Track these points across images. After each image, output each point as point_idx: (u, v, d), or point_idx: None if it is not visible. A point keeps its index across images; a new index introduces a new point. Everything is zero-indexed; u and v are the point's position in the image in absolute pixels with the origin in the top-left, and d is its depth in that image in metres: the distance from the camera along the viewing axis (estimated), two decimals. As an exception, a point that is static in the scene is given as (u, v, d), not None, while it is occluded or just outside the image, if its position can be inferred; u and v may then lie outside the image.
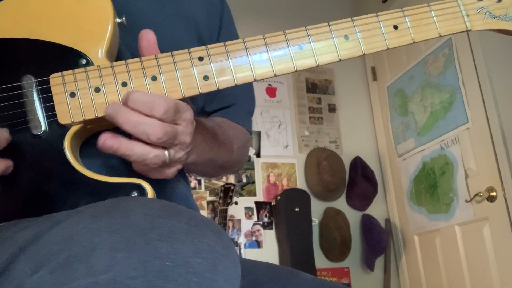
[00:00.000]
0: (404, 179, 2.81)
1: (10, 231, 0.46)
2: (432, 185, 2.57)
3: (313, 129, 2.96)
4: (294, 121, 2.92)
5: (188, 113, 0.54)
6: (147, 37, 0.56)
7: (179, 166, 0.56)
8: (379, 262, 2.77)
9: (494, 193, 2.16)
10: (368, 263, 2.71)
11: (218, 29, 0.81)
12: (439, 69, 2.54)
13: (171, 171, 0.55)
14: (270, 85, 2.93)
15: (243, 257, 2.25)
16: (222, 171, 0.77)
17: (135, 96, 0.51)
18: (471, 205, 2.29)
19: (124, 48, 0.62)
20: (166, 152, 0.52)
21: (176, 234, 0.38)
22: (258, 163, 2.76)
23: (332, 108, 3.05)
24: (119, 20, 0.58)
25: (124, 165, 0.61)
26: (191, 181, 2.60)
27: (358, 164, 2.89)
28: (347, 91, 3.12)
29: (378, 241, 2.70)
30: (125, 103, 0.51)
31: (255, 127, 2.81)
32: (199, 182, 2.62)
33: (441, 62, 2.54)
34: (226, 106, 0.80)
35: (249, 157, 2.76)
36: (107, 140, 0.51)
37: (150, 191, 0.52)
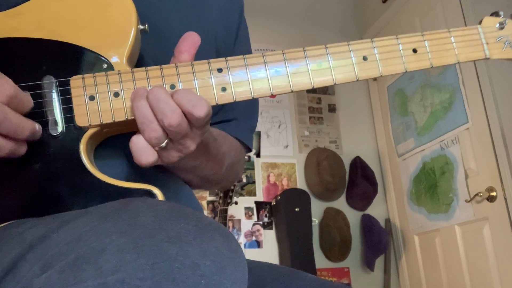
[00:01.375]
0: (404, 179, 2.81)
1: (19, 228, 0.46)
2: (432, 185, 2.57)
3: (313, 129, 2.96)
4: (294, 121, 2.92)
5: (208, 126, 0.54)
6: (195, 39, 0.56)
7: (160, 162, 0.55)
8: (379, 262, 2.77)
9: (494, 193, 2.16)
10: (368, 263, 2.72)
11: (234, 43, 0.81)
12: (439, 69, 2.54)
13: (148, 160, 0.52)
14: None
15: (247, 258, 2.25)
16: (208, 183, 0.76)
17: (183, 90, 0.51)
18: (471, 205, 2.29)
19: (145, 55, 0.62)
20: (166, 140, 0.52)
21: (184, 236, 0.38)
22: (258, 163, 2.76)
23: (332, 108, 3.05)
24: (141, 27, 0.58)
25: (137, 171, 0.61)
26: (191, 181, 2.60)
27: (358, 164, 2.89)
28: (347, 91, 3.12)
29: (378, 241, 2.70)
30: (171, 92, 0.51)
31: (255, 127, 2.81)
32: (199, 182, 2.62)
33: (441, 62, 2.54)
34: (229, 119, 0.79)
35: (249, 157, 2.76)
36: (138, 89, 0.52)
37: (160, 197, 0.53)
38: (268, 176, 2.76)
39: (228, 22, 0.80)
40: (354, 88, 3.16)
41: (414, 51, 0.60)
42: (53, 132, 0.53)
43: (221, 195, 2.44)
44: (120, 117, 0.54)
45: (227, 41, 0.80)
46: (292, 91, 0.57)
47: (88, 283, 0.33)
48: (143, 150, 0.51)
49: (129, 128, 0.58)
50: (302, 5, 3.16)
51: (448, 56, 0.60)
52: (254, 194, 2.70)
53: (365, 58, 0.59)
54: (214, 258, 0.38)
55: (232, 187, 2.45)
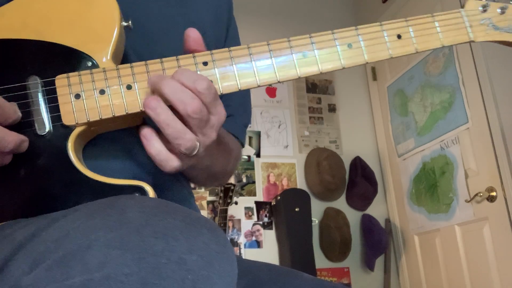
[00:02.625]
0: (404, 179, 2.81)
1: (10, 229, 0.47)
2: (432, 185, 2.57)
3: (313, 129, 2.96)
4: (294, 121, 2.92)
5: (223, 110, 0.54)
6: (195, 36, 0.56)
7: (191, 163, 0.55)
8: (379, 262, 2.77)
9: (494, 193, 2.16)
10: (368, 263, 2.72)
11: (224, 40, 0.81)
12: (439, 69, 2.54)
13: (175, 163, 0.53)
14: (270, 85, 2.92)
15: (243, 257, 2.25)
16: (213, 180, 0.77)
17: (182, 69, 0.51)
18: (471, 205, 2.29)
19: (131, 51, 0.62)
20: (197, 142, 0.52)
21: (171, 231, 0.38)
22: (258, 163, 2.76)
23: (332, 108, 3.05)
24: (125, 24, 0.58)
25: (127, 168, 0.61)
26: (191, 181, 2.60)
27: (358, 164, 2.89)
28: (347, 91, 3.12)
29: (378, 241, 2.70)
30: (172, 76, 0.51)
31: (255, 127, 2.82)
32: (199, 182, 2.62)
33: (441, 62, 2.54)
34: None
35: (249, 157, 2.76)
36: (152, 101, 0.50)
37: (151, 193, 0.53)
38: (268, 176, 2.76)
39: (217, 19, 0.80)
40: (354, 88, 3.16)
41: (399, 37, 0.60)
42: (40, 132, 0.53)
43: (221, 195, 2.44)
44: (107, 114, 0.53)
45: (218, 38, 0.80)
46: (279, 82, 0.58)
47: (75, 280, 0.34)
48: (167, 157, 0.52)
49: (118, 125, 0.58)
50: (302, 5, 3.16)
51: (432, 40, 0.61)
52: (254, 194, 2.70)
53: (350, 46, 0.59)
54: (202, 253, 0.38)
55: (232, 187, 2.45)
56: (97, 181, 0.52)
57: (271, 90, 2.93)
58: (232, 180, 2.67)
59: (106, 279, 0.33)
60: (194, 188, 2.60)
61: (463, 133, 2.35)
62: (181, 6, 0.73)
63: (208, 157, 0.62)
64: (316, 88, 3.06)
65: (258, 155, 2.78)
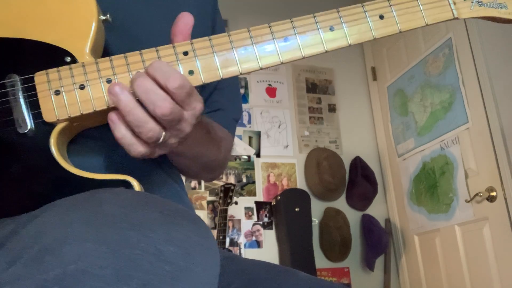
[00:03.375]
0: (404, 179, 2.81)
1: None
2: (432, 185, 2.57)
3: (313, 129, 2.96)
4: (294, 121, 2.92)
5: (198, 105, 0.53)
6: (186, 20, 0.56)
7: (163, 152, 0.55)
8: (379, 262, 2.77)
9: (494, 193, 2.16)
10: (368, 263, 2.72)
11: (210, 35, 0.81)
12: (439, 69, 2.54)
13: (154, 153, 0.53)
14: (270, 85, 2.93)
15: (243, 257, 2.25)
16: (206, 172, 0.76)
17: (157, 63, 0.50)
18: (471, 205, 2.29)
19: (113, 46, 0.62)
20: (164, 133, 0.51)
21: (148, 223, 0.38)
22: (258, 163, 2.76)
23: (332, 108, 3.05)
24: (103, 18, 0.58)
25: (112, 163, 0.61)
26: (190, 181, 2.60)
27: (358, 164, 2.89)
28: (347, 91, 3.12)
29: (378, 241, 2.70)
30: (146, 70, 0.51)
31: (255, 127, 2.81)
32: (199, 182, 2.62)
33: (441, 62, 2.54)
34: (214, 110, 0.80)
35: (249, 157, 2.76)
36: (116, 87, 0.50)
37: (137, 187, 0.52)
38: (268, 176, 2.76)
39: (201, 17, 0.80)
40: (354, 88, 3.16)
41: (381, 17, 0.59)
42: (21, 130, 0.52)
43: (221, 195, 2.44)
44: (88, 109, 0.53)
45: (204, 34, 0.79)
46: (261, 68, 0.56)
47: (50, 274, 0.34)
48: (132, 142, 0.51)
49: (101, 120, 0.58)
50: (301, 5, 3.16)
51: (415, 19, 0.60)
52: (254, 194, 2.70)
53: (332, 29, 0.58)
54: (181, 244, 0.37)
55: (232, 187, 2.45)
56: (81, 177, 0.52)
57: (271, 90, 2.93)
58: (232, 180, 2.67)
59: (80, 272, 0.33)
60: (194, 188, 2.60)
61: (463, 133, 2.35)
62: (164, 4, 0.73)
63: (197, 145, 0.61)
64: (316, 88, 3.06)
65: (258, 155, 2.78)
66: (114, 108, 0.54)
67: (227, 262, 0.67)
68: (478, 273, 2.24)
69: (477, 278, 2.25)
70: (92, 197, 0.41)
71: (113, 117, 0.50)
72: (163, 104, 0.49)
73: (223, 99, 0.79)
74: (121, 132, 0.50)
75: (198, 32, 0.77)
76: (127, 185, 0.52)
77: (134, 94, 0.50)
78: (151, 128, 0.50)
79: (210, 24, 0.82)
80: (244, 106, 2.81)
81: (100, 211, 0.39)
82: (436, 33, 2.57)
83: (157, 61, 0.51)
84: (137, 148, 0.51)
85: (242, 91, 2.84)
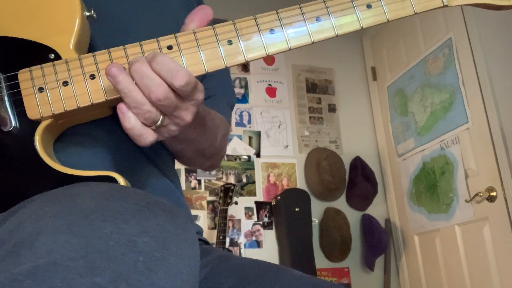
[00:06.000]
0: (404, 179, 2.81)
1: None
2: (432, 185, 2.57)
3: (313, 129, 2.96)
4: (294, 121, 2.92)
5: (200, 95, 0.53)
6: (207, 12, 0.56)
7: (161, 138, 0.55)
8: (379, 262, 2.77)
9: (494, 193, 2.16)
10: (368, 263, 2.72)
11: None
12: (439, 69, 2.54)
13: (149, 140, 0.52)
14: (270, 85, 2.93)
15: (237, 256, 2.25)
16: (202, 158, 0.76)
17: (161, 58, 0.50)
18: (471, 205, 2.29)
19: (100, 43, 0.61)
20: (162, 116, 0.51)
21: (122, 215, 0.38)
22: (258, 163, 2.76)
23: (332, 108, 3.05)
24: (87, 14, 0.57)
25: (98, 161, 0.60)
26: (191, 181, 2.60)
27: (358, 164, 2.89)
28: (347, 91, 3.12)
29: (378, 241, 2.70)
30: (149, 61, 0.50)
31: (255, 127, 2.81)
32: (199, 182, 2.62)
33: (441, 62, 2.54)
34: (206, 97, 0.80)
35: (249, 157, 2.76)
36: (114, 68, 0.50)
37: (122, 182, 0.52)
38: (268, 176, 2.76)
39: (188, 8, 0.80)
40: (354, 88, 3.16)
41: (368, 6, 0.58)
42: (5, 129, 0.52)
43: (221, 195, 2.44)
44: (71, 105, 0.53)
45: None
46: (247, 61, 0.56)
47: (23, 267, 0.34)
48: (141, 132, 0.51)
49: (86, 117, 0.58)
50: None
51: (404, 7, 0.59)
52: (254, 194, 2.70)
53: (318, 19, 0.57)
54: (155, 235, 0.37)
55: (232, 187, 2.45)
56: (67, 175, 0.52)
57: (271, 90, 2.93)
58: (232, 180, 2.67)
59: (52, 265, 0.33)
60: (194, 188, 2.60)
61: (463, 133, 2.35)
62: None
63: (193, 129, 0.61)
64: (316, 88, 3.06)
65: (258, 155, 2.78)
66: (103, 105, 0.54)
67: (221, 260, 0.67)
68: (478, 273, 2.24)
69: (477, 278, 2.25)
70: (67, 191, 0.42)
71: (123, 108, 0.51)
72: (157, 90, 0.49)
73: (215, 85, 0.79)
74: (130, 123, 0.51)
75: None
76: (113, 181, 0.52)
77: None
78: (148, 109, 0.50)
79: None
80: (244, 106, 2.81)
81: (74, 204, 0.39)
82: (436, 33, 2.57)
83: (161, 56, 0.50)
84: (146, 138, 0.52)
85: (242, 91, 2.84)
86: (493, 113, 2.18)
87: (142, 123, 0.51)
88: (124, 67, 0.51)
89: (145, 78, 0.49)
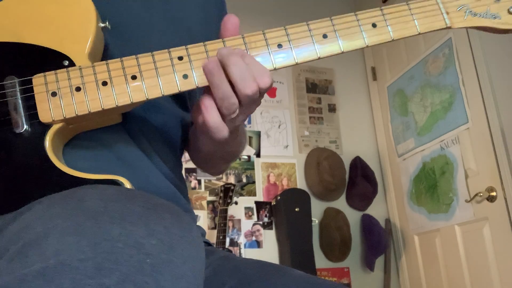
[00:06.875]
0: (404, 179, 2.81)
1: None
2: (432, 185, 2.57)
3: (313, 129, 2.96)
4: (294, 121, 2.92)
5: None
6: (233, 20, 0.59)
7: (231, 128, 0.58)
8: (379, 262, 2.77)
9: (494, 193, 2.16)
10: (368, 263, 2.72)
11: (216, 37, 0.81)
12: (439, 69, 2.54)
13: (224, 134, 0.57)
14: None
15: (239, 256, 2.25)
16: (221, 161, 0.78)
17: (250, 58, 0.55)
18: (471, 205, 2.29)
19: (115, 52, 0.63)
20: (238, 109, 0.55)
21: (129, 217, 0.38)
22: (258, 163, 2.76)
23: (332, 108, 3.05)
24: (102, 25, 0.59)
25: (105, 165, 0.61)
26: (191, 181, 2.60)
27: (358, 164, 2.89)
28: (347, 91, 3.12)
29: (378, 241, 2.70)
30: (241, 57, 0.54)
31: (255, 127, 2.82)
32: (199, 182, 2.62)
33: (441, 62, 2.54)
34: None
35: (249, 157, 2.76)
36: (211, 63, 0.54)
37: (128, 185, 0.53)
38: (268, 176, 2.76)
39: (206, 15, 0.80)
40: (354, 88, 3.16)
41: (374, 25, 0.61)
42: (17, 130, 0.54)
43: (221, 195, 2.44)
44: (83, 110, 0.54)
45: (208, 35, 0.79)
46: None
47: (32, 268, 0.34)
48: (218, 126, 0.55)
49: (96, 124, 0.59)
50: (301, 5, 3.16)
51: (408, 28, 0.61)
52: (254, 194, 2.70)
53: (325, 36, 0.60)
54: (162, 237, 0.38)
55: (232, 187, 2.45)
56: (74, 177, 0.53)
57: (271, 90, 2.93)
58: (232, 180, 2.67)
59: (61, 265, 0.34)
60: (194, 188, 2.60)
61: (463, 133, 2.35)
62: (163, 3, 0.74)
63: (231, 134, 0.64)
64: (316, 88, 3.06)
65: (258, 155, 2.78)
66: (114, 111, 0.56)
67: (222, 261, 0.67)
68: (478, 273, 2.24)
69: (477, 278, 2.25)
70: (75, 193, 0.42)
71: (207, 102, 0.55)
72: (252, 85, 0.53)
73: None
74: (213, 117, 0.55)
75: (202, 36, 0.77)
76: (117, 184, 0.53)
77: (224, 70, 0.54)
78: (234, 102, 0.54)
79: (216, 20, 0.82)
80: (244, 106, 2.81)
81: (82, 206, 0.39)
82: (436, 33, 2.57)
83: (248, 55, 0.55)
84: (224, 133, 0.56)
85: (242, 91, 2.84)
86: (493, 113, 2.18)
87: (223, 113, 0.55)
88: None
89: (244, 72, 0.53)
